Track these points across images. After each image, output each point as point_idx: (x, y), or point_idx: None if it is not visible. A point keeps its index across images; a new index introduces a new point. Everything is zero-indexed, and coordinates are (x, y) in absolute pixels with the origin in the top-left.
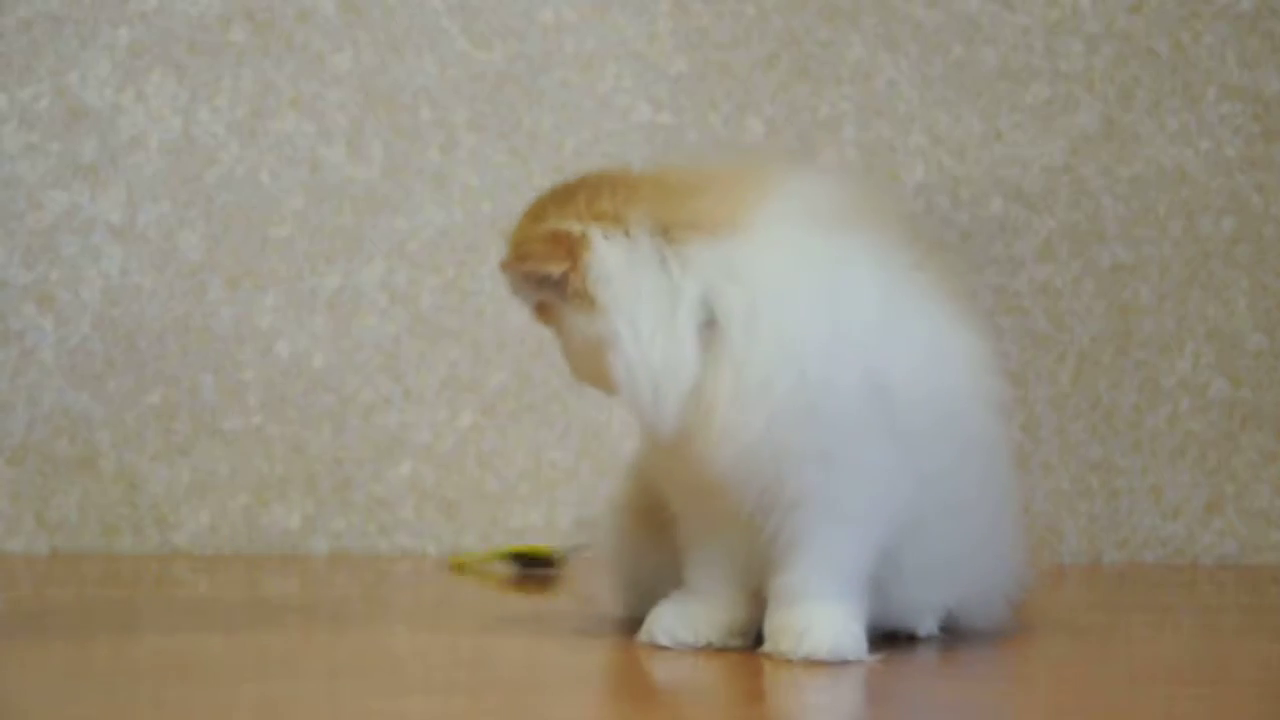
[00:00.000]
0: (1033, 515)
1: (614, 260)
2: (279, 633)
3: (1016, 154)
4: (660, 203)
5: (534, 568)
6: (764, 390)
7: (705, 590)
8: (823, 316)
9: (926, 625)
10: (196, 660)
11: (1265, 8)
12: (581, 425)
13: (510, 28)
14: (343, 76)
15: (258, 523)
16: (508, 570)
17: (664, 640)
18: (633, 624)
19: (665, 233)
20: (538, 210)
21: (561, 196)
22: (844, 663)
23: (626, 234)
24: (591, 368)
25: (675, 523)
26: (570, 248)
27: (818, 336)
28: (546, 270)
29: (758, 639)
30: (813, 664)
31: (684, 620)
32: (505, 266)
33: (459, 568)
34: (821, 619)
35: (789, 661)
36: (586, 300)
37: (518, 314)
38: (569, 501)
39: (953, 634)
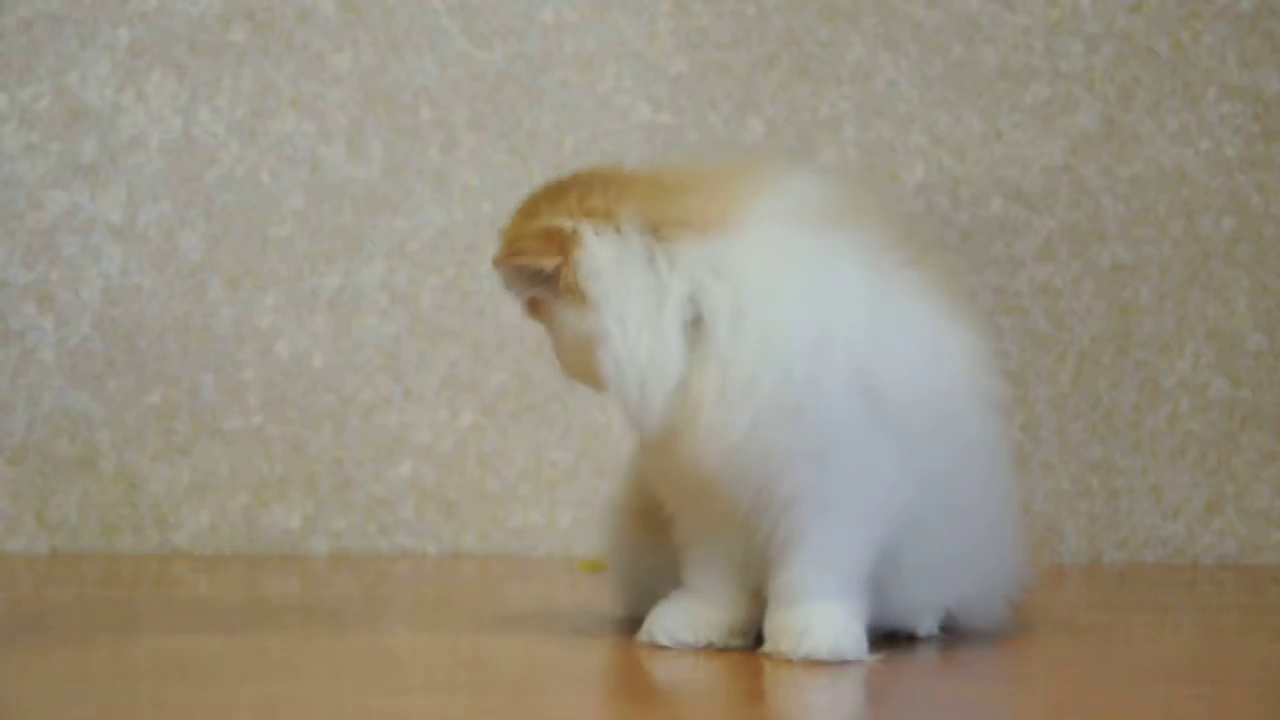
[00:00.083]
0: (1033, 515)
1: (604, 256)
2: (279, 633)
3: (1016, 154)
4: (651, 200)
5: None
6: (749, 389)
7: (705, 590)
8: (809, 315)
9: (926, 625)
10: (196, 660)
11: (1265, 8)
12: (582, 425)
13: (510, 28)
14: (343, 76)
15: (258, 523)
16: None
17: (664, 640)
18: (633, 624)
19: (655, 230)
20: (530, 207)
21: (554, 193)
22: (844, 663)
23: (617, 230)
24: (581, 364)
25: (673, 523)
26: (561, 243)
27: (803, 335)
28: (538, 265)
29: (758, 639)
30: (813, 664)
31: (684, 620)
32: (497, 261)
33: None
34: (821, 619)
35: (789, 661)
36: (577, 295)
37: (518, 314)
38: (569, 501)
39: (953, 634)
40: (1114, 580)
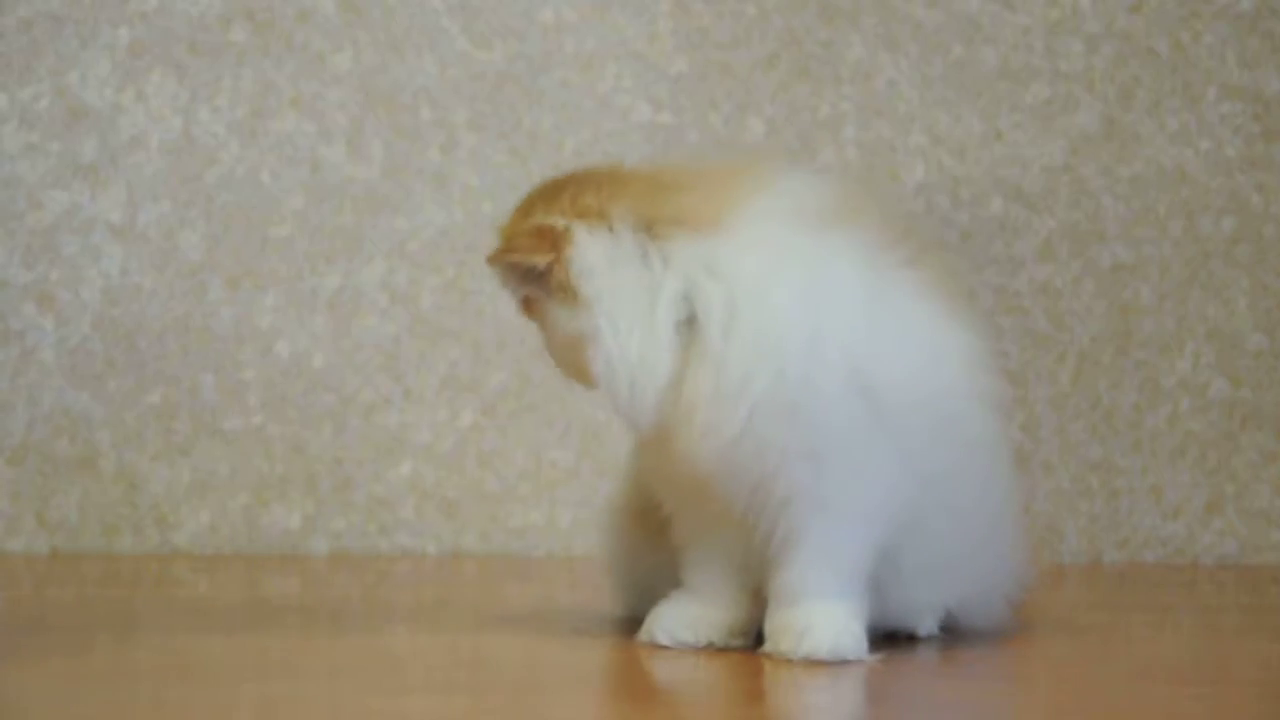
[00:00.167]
0: (1033, 515)
1: (596, 254)
2: (279, 633)
3: (1016, 154)
4: (646, 199)
5: None
6: (742, 388)
7: (705, 590)
8: (803, 314)
9: (926, 625)
10: (196, 660)
11: (1265, 8)
12: (582, 425)
13: (510, 28)
14: (343, 76)
15: (258, 523)
16: None
17: (664, 640)
18: (633, 624)
19: (649, 228)
20: (526, 205)
21: (549, 192)
22: (844, 663)
23: (610, 229)
24: (573, 361)
25: (672, 523)
26: (554, 241)
27: (796, 334)
28: (530, 262)
29: (758, 639)
30: (813, 664)
31: (684, 620)
32: (491, 259)
33: None
34: (822, 619)
35: (789, 661)
36: (569, 293)
37: (518, 313)
38: (569, 501)
39: (953, 634)
40: (1114, 580)
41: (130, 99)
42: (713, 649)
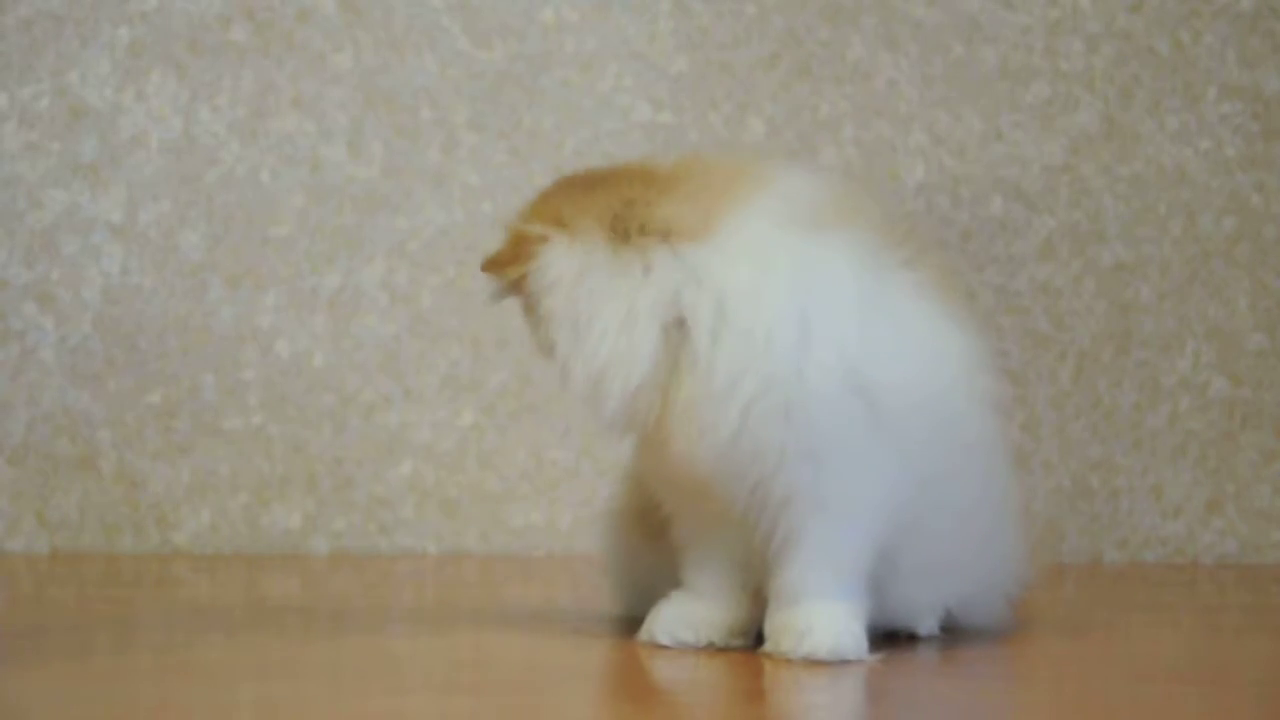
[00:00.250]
0: (1033, 515)
1: (566, 266)
2: (279, 633)
3: (1016, 154)
4: (638, 201)
5: None
6: (731, 389)
7: (705, 590)
8: (792, 317)
9: (926, 625)
10: (196, 661)
11: (1265, 8)
12: (582, 425)
13: (510, 27)
14: (343, 76)
15: (258, 522)
16: None
17: (664, 640)
18: (633, 624)
19: (639, 231)
20: (524, 209)
21: (541, 197)
22: (844, 662)
23: (592, 234)
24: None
25: (672, 523)
26: (528, 252)
27: (786, 337)
28: (502, 274)
29: (758, 639)
30: (813, 664)
31: (684, 620)
32: (482, 269)
33: None
34: (822, 618)
35: (789, 661)
36: (533, 304)
37: (518, 313)
38: (569, 501)
39: (953, 633)
40: (1114, 580)
41: (130, 98)
42: (713, 649)
